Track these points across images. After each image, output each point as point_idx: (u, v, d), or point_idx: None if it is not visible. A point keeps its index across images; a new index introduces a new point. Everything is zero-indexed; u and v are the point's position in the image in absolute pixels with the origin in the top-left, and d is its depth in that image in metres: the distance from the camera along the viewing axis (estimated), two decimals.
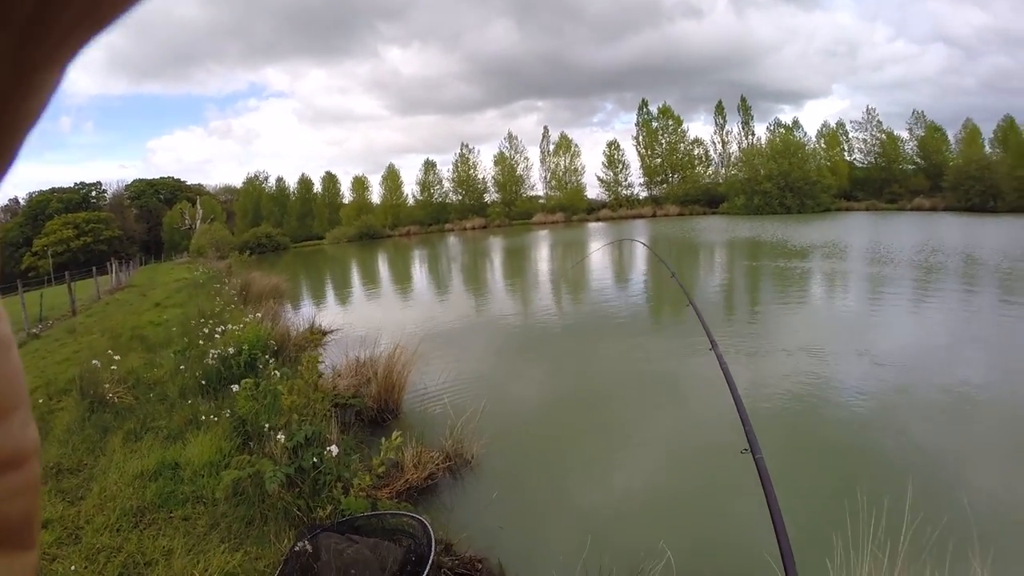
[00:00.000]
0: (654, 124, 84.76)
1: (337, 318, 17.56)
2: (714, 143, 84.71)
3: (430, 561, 4.15)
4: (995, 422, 7.44)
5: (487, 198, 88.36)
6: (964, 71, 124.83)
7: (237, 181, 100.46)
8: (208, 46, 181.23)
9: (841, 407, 8.10)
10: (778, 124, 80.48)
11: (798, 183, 65.06)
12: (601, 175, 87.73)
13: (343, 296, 26.13)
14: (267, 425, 6.30)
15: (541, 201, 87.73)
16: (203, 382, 8.89)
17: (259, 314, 13.37)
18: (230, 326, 11.24)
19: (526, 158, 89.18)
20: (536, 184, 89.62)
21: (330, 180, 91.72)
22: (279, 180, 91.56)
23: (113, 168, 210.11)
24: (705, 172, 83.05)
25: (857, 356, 10.30)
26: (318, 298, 26.08)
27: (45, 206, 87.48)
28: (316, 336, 14.40)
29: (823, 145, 77.99)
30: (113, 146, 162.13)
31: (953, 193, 59.09)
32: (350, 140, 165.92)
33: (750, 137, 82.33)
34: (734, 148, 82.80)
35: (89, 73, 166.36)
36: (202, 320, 12.65)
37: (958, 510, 4.86)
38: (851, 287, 17.69)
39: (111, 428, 7.78)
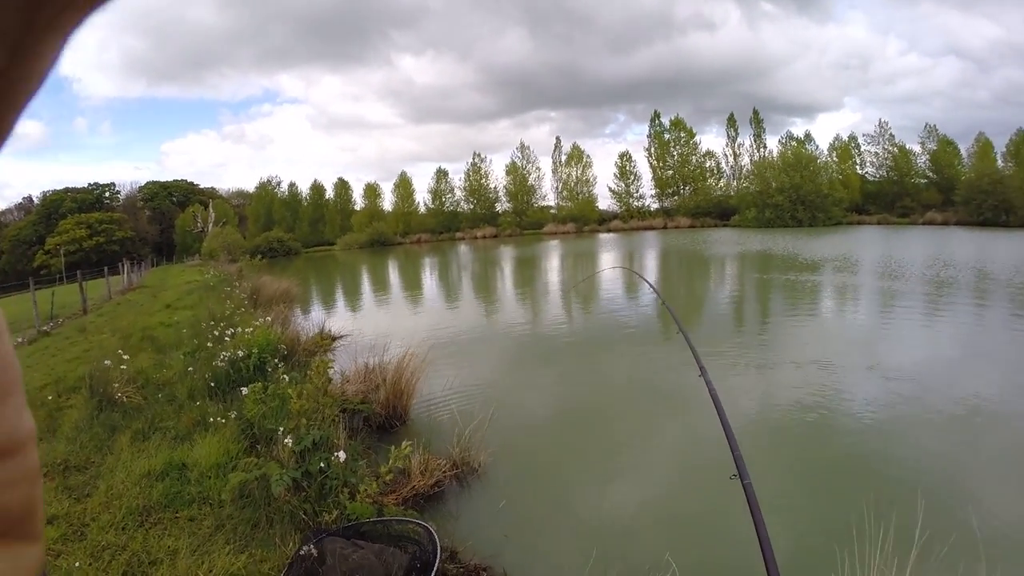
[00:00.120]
0: (666, 136, 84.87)
1: (347, 324, 17.61)
2: (726, 155, 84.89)
3: (435, 568, 4.14)
4: (1006, 438, 7.39)
5: (498, 207, 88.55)
6: (977, 84, 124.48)
7: (250, 185, 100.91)
8: (223, 51, 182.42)
9: (850, 421, 8.06)
10: (790, 137, 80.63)
11: (810, 196, 64.91)
12: (613, 186, 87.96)
13: (353, 302, 26.18)
14: (281, 428, 6.30)
15: (552, 211, 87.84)
16: (212, 384, 8.91)
17: (269, 318, 13.40)
18: (240, 329, 11.26)
19: (538, 168, 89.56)
20: (547, 194, 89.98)
21: (342, 186, 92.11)
22: (292, 185, 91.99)
23: (127, 169, 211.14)
24: (717, 184, 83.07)
25: (867, 370, 10.25)
26: (328, 303, 26.14)
27: (59, 205, 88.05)
28: (326, 341, 14.41)
29: (835, 158, 77.84)
30: (128, 148, 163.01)
31: (965, 207, 58.82)
32: (363, 147, 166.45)
33: (762, 150, 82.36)
34: (746, 161, 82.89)
35: (107, 75, 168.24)
36: (212, 323, 12.71)
37: (967, 527, 4.82)
38: (862, 301, 17.62)
39: (119, 427, 7.80)
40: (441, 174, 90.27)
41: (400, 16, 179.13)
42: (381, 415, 8.57)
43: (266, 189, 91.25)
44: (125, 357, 9.80)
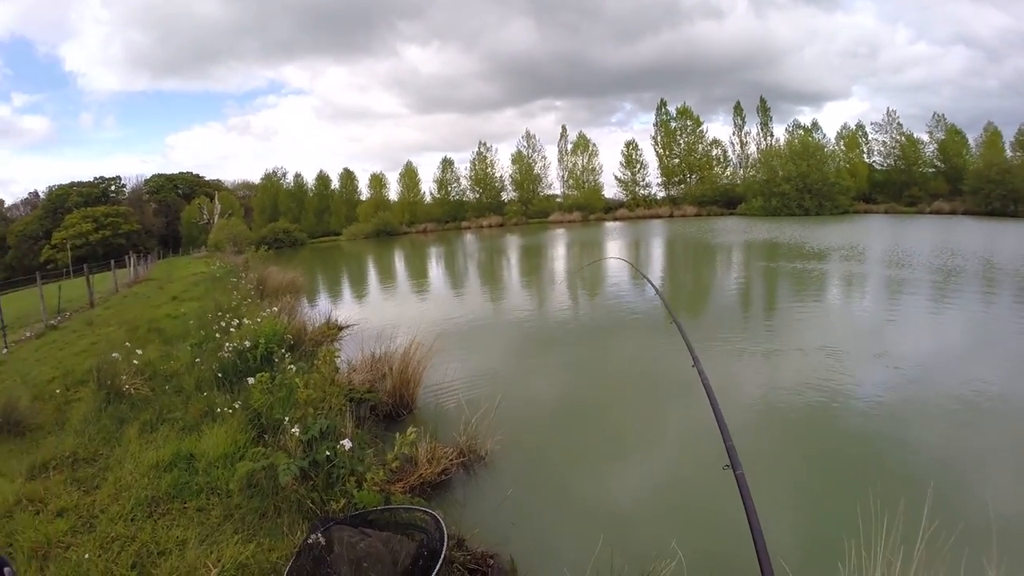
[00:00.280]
0: (672, 124, 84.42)
1: (353, 313, 17.65)
2: (732, 144, 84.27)
3: (442, 556, 4.15)
4: (1013, 428, 7.36)
5: (504, 196, 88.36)
6: (986, 73, 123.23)
7: (255, 177, 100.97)
8: (228, 44, 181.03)
9: (858, 410, 8.04)
10: (797, 125, 79.99)
11: (816, 185, 64.51)
12: (619, 175, 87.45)
13: (359, 292, 26.21)
14: (286, 418, 6.31)
15: (558, 200, 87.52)
16: (219, 375, 8.93)
17: (276, 308, 13.41)
18: (246, 320, 11.29)
19: (544, 157, 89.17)
20: (553, 183, 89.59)
21: (348, 177, 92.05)
22: (297, 176, 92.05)
23: (133, 163, 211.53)
24: (723, 173, 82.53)
25: (874, 359, 10.23)
26: (334, 293, 26.19)
27: (64, 199, 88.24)
28: (332, 331, 14.44)
29: (842, 147, 77.31)
30: (133, 141, 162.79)
31: (973, 197, 58.28)
32: (369, 137, 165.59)
33: (769, 138, 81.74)
34: (752, 149, 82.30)
35: (111, 69, 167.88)
36: (219, 314, 12.72)
37: (974, 517, 4.81)
38: (869, 290, 17.56)
39: (127, 419, 7.83)
40: (447, 163, 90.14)
41: (406, 6, 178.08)
42: (388, 404, 8.58)
43: (272, 180, 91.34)
44: (137, 352, 9.84)
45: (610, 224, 70.17)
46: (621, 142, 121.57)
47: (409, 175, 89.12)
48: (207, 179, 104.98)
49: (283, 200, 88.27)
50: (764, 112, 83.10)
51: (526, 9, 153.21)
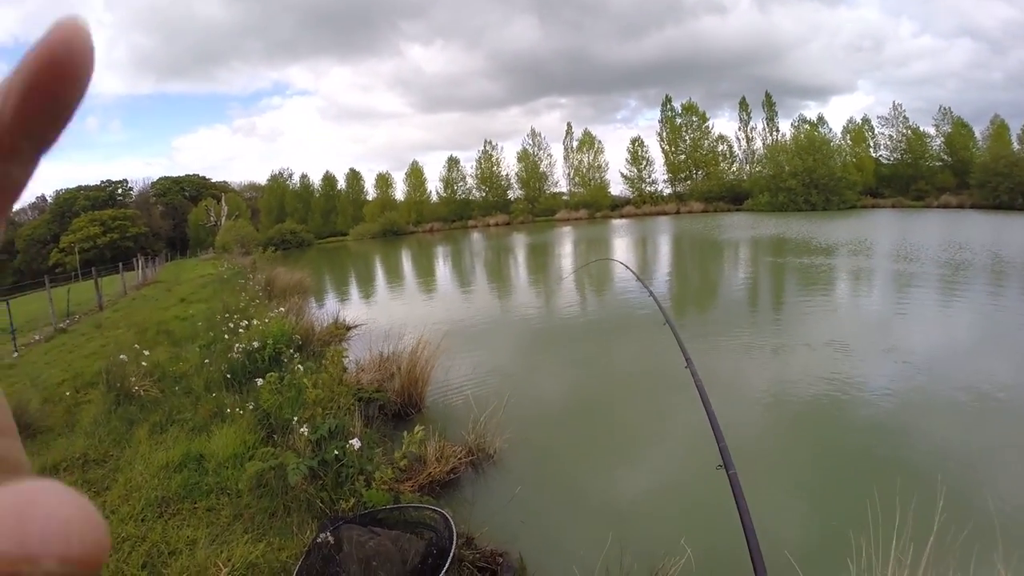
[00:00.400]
0: (678, 121, 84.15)
1: (361, 313, 17.65)
2: (738, 139, 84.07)
3: (451, 554, 4.16)
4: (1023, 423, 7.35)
5: (510, 195, 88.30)
6: (991, 66, 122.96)
7: (261, 178, 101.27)
8: (232, 45, 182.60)
9: (865, 404, 8.02)
10: (803, 120, 79.64)
11: (823, 180, 64.24)
12: (625, 172, 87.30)
13: (367, 291, 26.22)
14: (295, 418, 6.34)
15: (565, 198, 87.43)
16: (228, 376, 8.97)
17: (283, 309, 13.45)
18: (255, 321, 11.32)
19: (549, 155, 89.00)
20: (559, 181, 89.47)
21: (354, 177, 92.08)
22: (303, 177, 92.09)
23: (139, 166, 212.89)
24: (729, 169, 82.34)
25: (882, 353, 10.21)
26: (342, 293, 26.20)
27: (72, 203, 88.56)
28: (340, 331, 14.46)
29: (848, 141, 77.03)
30: (139, 144, 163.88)
31: (980, 190, 57.85)
32: (374, 137, 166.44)
33: (775, 133, 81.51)
34: (758, 145, 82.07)
35: (116, 73, 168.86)
36: (227, 315, 12.75)
37: (984, 513, 4.80)
38: (876, 284, 17.49)
39: (137, 420, 7.87)
40: (452, 162, 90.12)
41: (408, 5, 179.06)
42: (396, 403, 8.59)
43: (278, 181, 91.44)
44: (145, 353, 9.88)
45: (617, 221, 70.07)
46: (627, 139, 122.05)
47: (415, 174, 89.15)
48: (213, 181, 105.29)
49: (289, 201, 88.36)
50: (769, 107, 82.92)
51: (529, 7, 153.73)
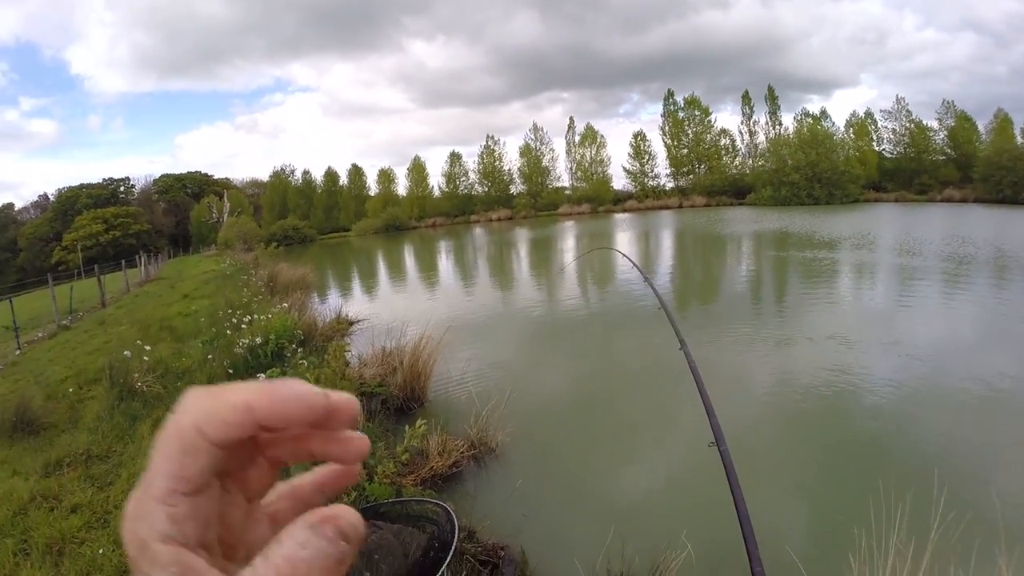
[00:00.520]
0: (680, 115, 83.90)
1: (363, 308, 17.69)
2: (741, 133, 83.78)
3: (453, 547, 4.16)
4: None
5: (513, 190, 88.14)
6: (995, 59, 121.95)
7: (264, 175, 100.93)
8: (234, 43, 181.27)
9: (868, 399, 8.03)
10: (806, 114, 79.28)
11: (826, 174, 64.03)
12: (627, 166, 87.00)
13: (369, 287, 26.25)
14: None
15: (567, 192, 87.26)
16: (231, 371, 9.00)
17: (286, 304, 13.46)
18: (257, 316, 11.34)
19: (552, 149, 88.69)
20: (562, 175, 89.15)
21: (356, 173, 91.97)
22: (305, 173, 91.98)
23: (141, 163, 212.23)
24: (732, 163, 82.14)
25: (884, 348, 10.20)
26: (344, 289, 26.24)
27: (74, 201, 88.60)
28: (342, 326, 14.48)
29: (851, 135, 76.72)
30: (141, 142, 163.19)
31: (984, 184, 57.52)
32: (376, 133, 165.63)
33: (777, 127, 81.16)
34: (761, 138, 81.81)
35: (118, 71, 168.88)
36: (230, 311, 12.77)
37: (986, 507, 4.81)
38: (879, 278, 17.48)
39: (140, 416, 7.89)
40: (455, 157, 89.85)
41: (411, 1, 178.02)
42: (399, 398, 8.61)
43: (280, 178, 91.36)
44: (148, 349, 9.89)
45: (619, 216, 69.95)
46: (629, 133, 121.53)
47: (417, 170, 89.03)
48: (216, 178, 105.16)
49: (292, 197, 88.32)
50: (772, 101, 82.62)
51: (530, 1, 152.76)
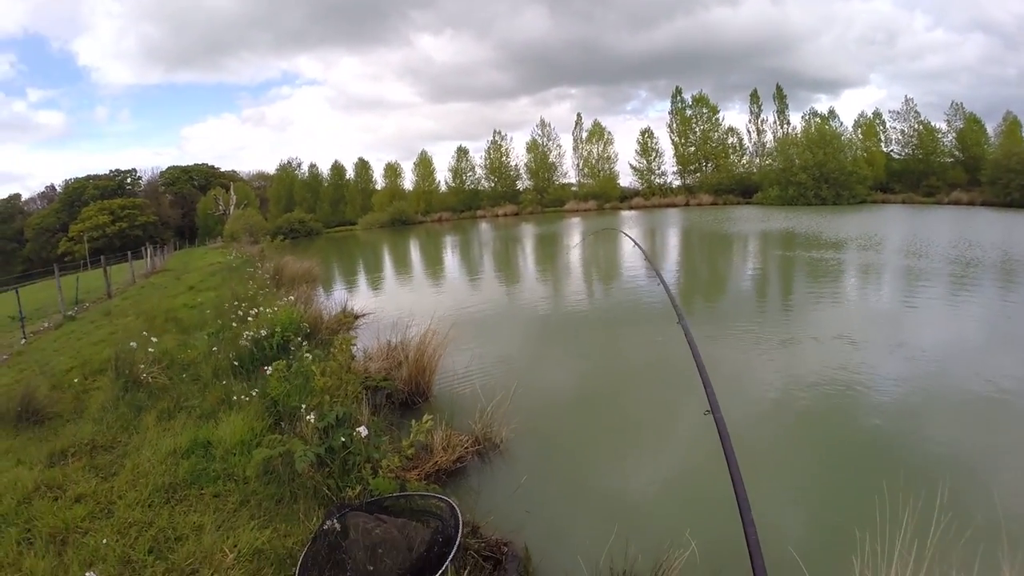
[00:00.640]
0: (688, 112, 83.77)
1: (369, 302, 17.71)
2: (749, 132, 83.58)
3: (457, 543, 4.17)
4: None
5: (519, 185, 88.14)
6: (1005, 61, 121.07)
7: (270, 167, 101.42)
8: (241, 35, 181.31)
9: (873, 400, 8.00)
10: (814, 114, 79.00)
11: (833, 174, 63.76)
12: (634, 163, 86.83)
13: (375, 281, 26.24)
14: (303, 406, 6.35)
15: (574, 189, 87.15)
16: (236, 363, 9.01)
17: (292, 297, 13.48)
18: (263, 309, 11.35)
19: (559, 145, 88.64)
20: (568, 171, 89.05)
21: (363, 166, 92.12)
22: (312, 166, 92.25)
23: (148, 155, 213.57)
24: (739, 161, 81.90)
25: (889, 350, 10.17)
26: (350, 282, 26.25)
27: (81, 193, 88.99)
28: (348, 319, 14.50)
29: (859, 135, 76.39)
30: (148, 134, 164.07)
31: (992, 187, 56.98)
32: (383, 127, 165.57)
33: (785, 126, 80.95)
34: (769, 137, 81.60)
35: (125, 63, 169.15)
36: (235, 303, 12.78)
37: (990, 511, 4.79)
38: (886, 280, 17.42)
39: (145, 407, 7.90)
40: (462, 152, 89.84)
41: None
42: (404, 392, 8.62)
43: (287, 171, 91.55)
44: (153, 340, 9.91)
45: (626, 213, 69.93)
46: (636, 130, 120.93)
47: (424, 164, 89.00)
48: (222, 170, 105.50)
49: (298, 190, 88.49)
50: (780, 100, 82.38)
51: None
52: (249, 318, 11.01)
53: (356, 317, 15.09)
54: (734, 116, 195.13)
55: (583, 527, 5.40)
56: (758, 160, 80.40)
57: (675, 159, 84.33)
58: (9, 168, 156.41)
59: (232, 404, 7.40)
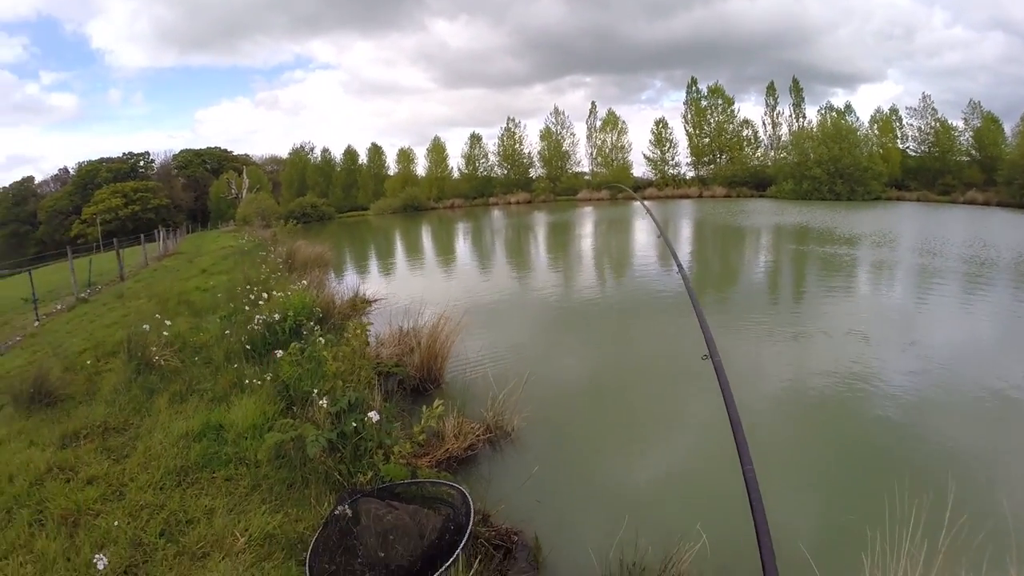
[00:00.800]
0: (703, 103, 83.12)
1: (381, 287, 17.72)
2: (764, 125, 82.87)
3: (468, 531, 4.16)
4: None
5: (532, 173, 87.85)
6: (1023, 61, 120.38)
7: (283, 152, 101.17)
8: (255, 19, 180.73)
9: (884, 398, 7.96)
10: (830, 108, 78.32)
11: (848, 169, 63.23)
12: (648, 153, 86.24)
13: (387, 266, 26.25)
14: (315, 390, 6.35)
15: (587, 177, 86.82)
16: (248, 347, 9.01)
17: (304, 282, 13.50)
18: (275, 293, 11.37)
19: (572, 134, 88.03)
20: (582, 160, 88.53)
21: (376, 152, 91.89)
22: (325, 151, 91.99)
23: (161, 138, 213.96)
24: (754, 154, 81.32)
25: (903, 347, 10.12)
26: (362, 268, 26.27)
27: (94, 175, 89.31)
28: (360, 305, 14.50)
29: (876, 131, 75.72)
30: (161, 117, 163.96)
31: (1008, 188, 56.14)
32: (396, 112, 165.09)
33: (801, 120, 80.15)
34: (784, 131, 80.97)
35: (139, 46, 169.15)
36: (248, 287, 12.80)
37: (1000, 513, 4.75)
38: (899, 277, 17.33)
39: (157, 390, 7.92)
40: (475, 139, 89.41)
41: None
42: (415, 378, 8.63)
43: (299, 155, 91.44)
44: (166, 322, 9.94)
45: (637, 204, 69.65)
46: (651, 120, 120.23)
47: (437, 150, 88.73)
48: (235, 154, 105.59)
49: (311, 175, 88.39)
50: (797, 93, 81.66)
51: None
52: (261, 302, 11.02)
53: (368, 302, 15.08)
54: (750, 108, 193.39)
55: (593, 518, 5.40)
56: (773, 153, 79.86)
57: (689, 150, 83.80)
58: (22, 150, 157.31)
59: (244, 388, 7.41)
